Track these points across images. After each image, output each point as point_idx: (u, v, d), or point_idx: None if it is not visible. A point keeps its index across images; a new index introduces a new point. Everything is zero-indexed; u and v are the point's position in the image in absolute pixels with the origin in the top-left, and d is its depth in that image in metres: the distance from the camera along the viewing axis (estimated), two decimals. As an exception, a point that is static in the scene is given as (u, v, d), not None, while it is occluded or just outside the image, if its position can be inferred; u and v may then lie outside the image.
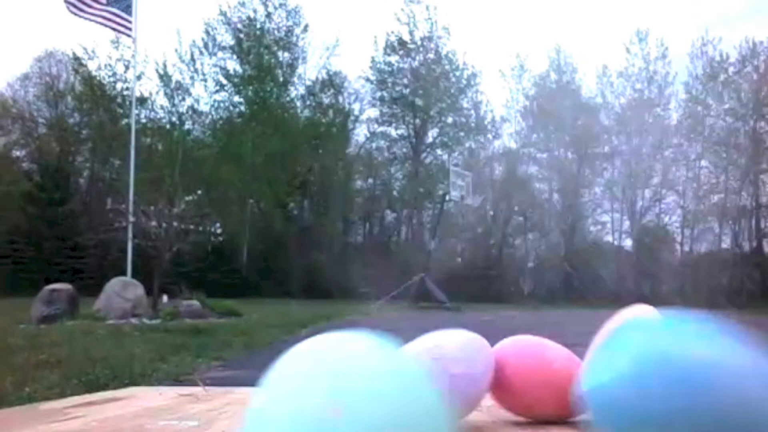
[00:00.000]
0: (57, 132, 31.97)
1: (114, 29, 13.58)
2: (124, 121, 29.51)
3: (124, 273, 11.68)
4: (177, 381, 3.97)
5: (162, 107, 31.77)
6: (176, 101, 31.70)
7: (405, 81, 34.28)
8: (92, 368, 4.10)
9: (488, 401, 1.09)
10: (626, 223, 35.51)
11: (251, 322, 9.56)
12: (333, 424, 0.41)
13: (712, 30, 44.98)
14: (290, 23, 33.49)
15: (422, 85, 33.90)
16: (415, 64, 33.95)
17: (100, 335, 6.67)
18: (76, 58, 30.60)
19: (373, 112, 35.26)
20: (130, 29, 13.42)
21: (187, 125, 32.55)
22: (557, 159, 35.47)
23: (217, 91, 32.80)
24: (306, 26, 33.69)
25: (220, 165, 29.68)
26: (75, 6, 12.64)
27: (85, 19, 12.91)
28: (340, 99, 35.39)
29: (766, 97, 32.28)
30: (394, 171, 35.81)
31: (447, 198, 23.23)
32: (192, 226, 13.12)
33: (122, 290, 10.08)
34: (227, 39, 32.70)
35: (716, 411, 0.55)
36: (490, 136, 35.57)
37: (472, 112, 34.94)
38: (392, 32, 33.76)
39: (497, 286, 32.02)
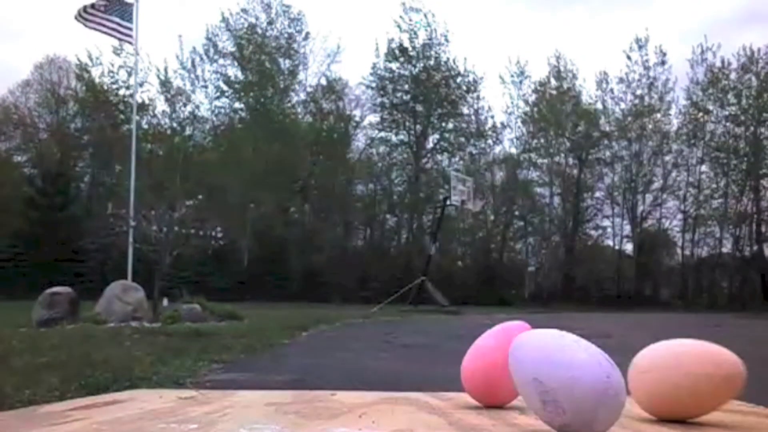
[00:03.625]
0: (58, 137, 32.04)
1: (115, 37, 13.61)
2: (126, 126, 29.58)
3: (124, 277, 11.67)
4: (177, 384, 3.97)
5: (163, 113, 31.90)
6: (177, 107, 31.81)
7: (406, 87, 34.32)
8: (92, 371, 4.10)
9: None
10: (627, 228, 35.55)
11: (251, 325, 9.55)
12: None
13: (711, 37, 45.18)
14: (292, 30, 33.58)
15: (423, 92, 33.95)
16: (416, 70, 34.00)
17: (100, 338, 6.67)
18: (81, 65, 30.75)
19: (373, 118, 35.35)
20: (131, 36, 13.46)
21: (188, 131, 32.63)
22: (558, 164, 35.52)
23: (217, 97, 32.91)
24: (307, 34, 33.79)
25: (221, 170, 29.72)
26: (82, 17, 12.72)
27: (88, 27, 12.97)
28: (341, 105, 35.44)
29: (767, 103, 32.34)
30: (394, 176, 35.84)
31: (448, 202, 23.25)
32: (193, 231, 13.13)
33: (123, 294, 10.08)
34: (228, 46, 32.82)
35: None
36: (490, 141, 35.62)
37: (473, 117, 34.99)
38: (393, 39, 33.88)
39: (498, 290, 32.02)
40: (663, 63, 34.20)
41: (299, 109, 35.03)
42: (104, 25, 12.96)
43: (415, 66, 34.02)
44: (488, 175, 35.24)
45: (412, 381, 4.44)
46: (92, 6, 12.72)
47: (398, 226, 36.98)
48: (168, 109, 31.80)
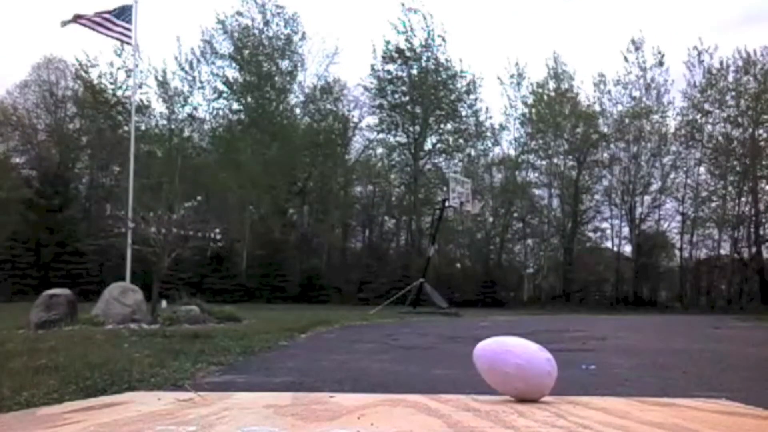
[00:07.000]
0: (56, 138, 32.01)
1: (114, 38, 13.63)
2: (124, 128, 29.58)
3: (123, 278, 11.67)
4: (176, 386, 3.96)
5: (161, 114, 31.89)
6: (175, 108, 31.81)
7: (404, 89, 34.32)
8: (91, 373, 4.09)
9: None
10: (625, 230, 35.55)
11: (250, 327, 9.54)
12: None
13: (708, 38, 45.23)
14: (288, 31, 33.59)
15: (421, 93, 33.95)
16: (414, 72, 34.01)
17: (98, 340, 6.66)
18: (80, 65, 30.75)
19: (372, 120, 35.36)
20: (129, 37, 13.47)
21: (186, 132, 32.62)
22: (556, 166, 35.53)
23: (215, 99, 32.92)
24: (304, 34, 33.82)
25: (220, 172, 29.71)
26: (73, 21, 12.75)
27: (86, 27, 12.98)
28: (340, 106, 35.46)
29: (764, 105, 32.37)
30: (393, 178, 35.83)
31: (446, 204, 23.24)
32: (191, 232, 13.12)
33: (121, 296, 10.06)
34: (226, 47, 32.82)
35: None
36: (489, 143, 35.64)
37: (471, 119, 34.99)
38: (390, 41, 33.90)
39: (496, 292, 32.01)
40: (661, 64, 34.30)
41: (297, 111, 35.03)
42: (104, 26, 12.98)
43: (412, 67, 34.04)
44: (487, 177, 35.26)
45: (411, 383, 4.44)
46: (82, 16, 12.79)
47: (397, 228, 36.98)
48: (166, 111, 31.81)
